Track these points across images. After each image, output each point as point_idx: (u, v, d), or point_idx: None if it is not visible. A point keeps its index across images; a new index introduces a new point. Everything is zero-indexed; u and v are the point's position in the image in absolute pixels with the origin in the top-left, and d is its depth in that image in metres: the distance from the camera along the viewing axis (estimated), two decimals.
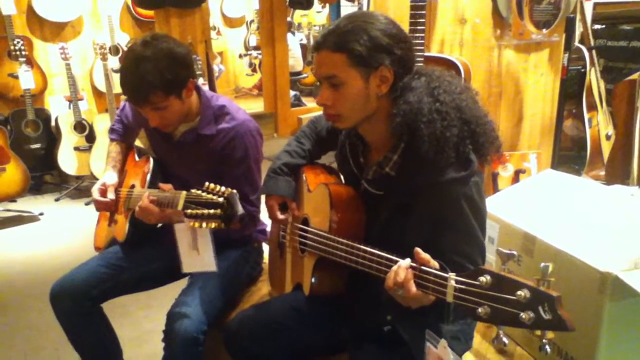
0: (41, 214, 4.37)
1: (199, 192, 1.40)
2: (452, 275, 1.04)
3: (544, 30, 2.58)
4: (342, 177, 1.58)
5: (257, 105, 6.13)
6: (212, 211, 1.36)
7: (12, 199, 4.30)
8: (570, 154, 3.24)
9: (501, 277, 0.95)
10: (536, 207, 1.67)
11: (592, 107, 3.29)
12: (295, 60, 6.72)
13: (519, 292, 0.91)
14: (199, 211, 1.38)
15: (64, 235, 3.97)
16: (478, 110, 1.28)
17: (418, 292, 1.10)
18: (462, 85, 1.31)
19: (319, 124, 1.71)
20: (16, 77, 4.57)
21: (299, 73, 6.86)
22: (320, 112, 1.51)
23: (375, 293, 1.29)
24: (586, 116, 3.22)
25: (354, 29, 1.23)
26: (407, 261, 1.13)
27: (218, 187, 1.39)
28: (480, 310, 0.97)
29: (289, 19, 6.34)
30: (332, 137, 1.60)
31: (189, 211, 1.40)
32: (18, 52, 4.49)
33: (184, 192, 1.45)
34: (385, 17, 1.27)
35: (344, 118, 1.31)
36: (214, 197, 1.37)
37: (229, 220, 1.37)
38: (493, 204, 1.69)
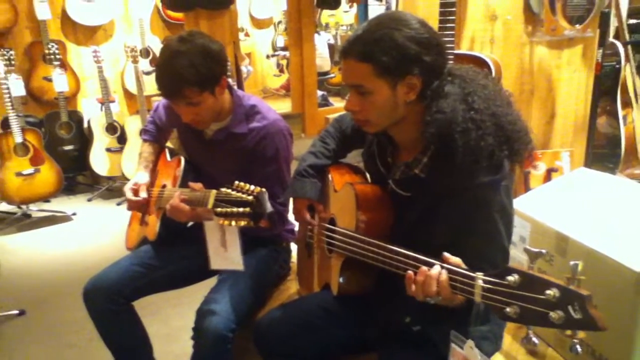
0: (74, 214, 4.47)
1: (229, 190, 1.42)
2: (479, 274, 1.02)
3: (577, 26, 2.52)
4: (367, 176, 1.58)
5: (284, 106, 6.14)
6: (241, 209, 1.37)
7: (46, 199, 4.41)
8: (604, 152, 3.16)
9: (530, 276, 0.94)
10: (569, 206, 1.63)
11: (626, 104, 3.21)
12: (323, 60, 6.70)
13: (548, 292, 0.89)
14: (229, 209, 1.39)
15: (96, 234, 4.06)
16: (513, 115, 1.25)
17: (450, 293, 1.09)
18: (496, 88, 1.28)
19: (344, 122, 1.70)
20: (50, 80, 4.69)
21: (326, 73, 6.84)
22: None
23: (399, 293, 1.29)
24: (620, 113, 3.14)
25: (381, 38, 1.19)
26: (437, 269, 1.11)
27: (247, 185, 1.40)
28: (508, 309, 0.95)
29: (316, 19, 6.35)
30: (357, 135, 1.60)
31: (218, 209, 1.41)
32: (52, 56, 4.61)
33: (214, 191, 1.46)
34: (417, 19, 1.23)
35: (372, 123, 1.30)
36: (244, 196, 1.38)
37: (258, 218, 1.38)
38: (525, 203, 1.67)
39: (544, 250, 0.98)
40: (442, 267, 1.10)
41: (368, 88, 1.23)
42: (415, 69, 1.20)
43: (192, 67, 1.60)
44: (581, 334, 0.90)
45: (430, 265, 1.12)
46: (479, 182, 1.20)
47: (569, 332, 0.90)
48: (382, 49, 1.19)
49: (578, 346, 0.93)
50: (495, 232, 1.22)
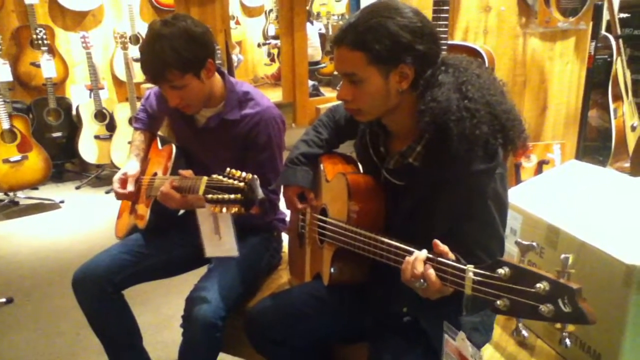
0: (62, 201, 4.43)
1: (220, 177, 1.41)
2: (470, 267, 1.02)
3: (571, 18, 2.52)
4: (360, 166, 1.57)
5: (275, 95, 6.12)
6: (232, 196, 1.36)
7: (34, 186, 4.36)
8: (594, 145, 3.18)
9: (520, 269, 0.94)
10: (560, 198, 1.64)
11: (617, 97, 3.23)
12: (314, 49, 6.67)
13: (538, 285, 0.90)
14: (220, 196, 1.38)
15: (85, 222, 4.03)
16: (507, 104, 1.25)
17: (439, 283, 1.08)
18: (490, 78, 1.28)
19: (337, 112, 1.69)
20: (38, 66, 4.63)
21: (317, 63, 6.81)
22: (338, 102, 1.50)
23: (395, 283, 1.29)
24: (612, 106, 3.15)
25: (374, 26, 1.19)
26: (424, 252, 1.12)
27: (239, 172, 1.39)
28: (498, 302, 0.96)
29: (307, 8, 6.30)
30: (350, 126, 1.59)
31: (209, 196, 1.40)
32: (40, 41, 4.54)
33: (205, 178, 1.45)
34: (411, 8, 1.23)
35: (365, 112, 1.31)
36: (235, 182, 1.37)
37: (249, 205, 1.37)
38: (516, 195, 1.67)
39: (534, 243, 0.98)
40: (432, 260, 1.10)
41: (360, 76, 1.23)
42: (408, 57, 1.20)
43: (173, 50, 1.59)
44: (570, 327, 0.90)
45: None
46: (473, 170, 1.20)
47: (558, 325, 0.90)
48: (375, 38, 1.18)
49: (567, 339, 0.93)
50: (490, 220, 1.23)
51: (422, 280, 1.10)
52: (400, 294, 1.26)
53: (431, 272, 1.09)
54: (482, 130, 1.19)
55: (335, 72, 6.81)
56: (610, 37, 3.17)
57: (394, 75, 1.22)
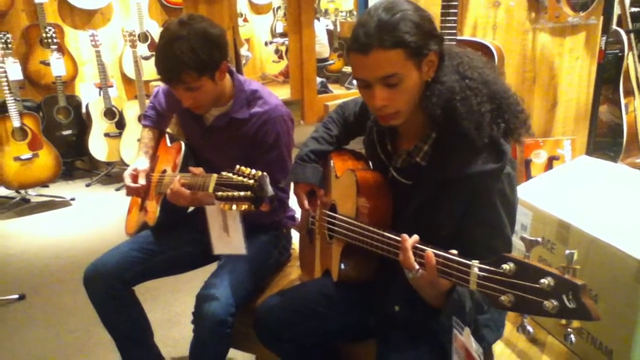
0: (72, 199, 4.46)
1: (230, 174, 1.41)
2: (475, 262, 1.02)
3: (581, 13, 2.50)
4: (370, 163, 1.57)
5: (283, 92, 6.13)
6: (242, 193, 1.37)
7: (44, 184, 4.40)
8: (605, 141, 3.15)
9: (525, 265, 0.94)
10: (571, 194, 1.63)
11: (629, 92, 3.20)
12: (322, 46, 6.66)
13: (542, 280, 0.89)
14: (230, 193, 1.39)
15: (95, 219, 4.05)
16: (501, 85, 1.26)
17: (435, 273, 1.10)
18: (482, 59, 1.29)
19: (347, 109, 1.69)
20: (48, 65, 4.66)
21: (325, 60, 6.80)
22: (347, 98, 1.49)
23: (390, 282, 1.29)
24: (623, 102, 3.13)
25: (400, 21, 1.16)
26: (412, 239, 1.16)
27: (249, 169, 1.40)
28: (503, 298, 0.95)
29: (315, 5, 6.30)
30: (359, 123, 1.59)
31: (219, 193, 1.40)
32: (50, 40, 4.57)
33: (215, 175, 1.45)
34: (408, 1, 1.22)
35: (402, 113, 1.25)
36: (245, 179, 1.38)
37: (259, 202, 1.37)
38: (526, 191, 1.66)
39: (539, 239, 0.97)
40: (438, 255, 1.10)
41: (401, 75, 1.18)
42: (434, 44, 1.20)
43: (191, 52, 1.59)
44: (576, 323, 0.90)
45: (424, 251, 1.13)
46: (480, 170, 1.20)
47: (563, 321, 0.90)
48: (406, 31, 1.16)
49: (572, 336, 0.93)
50: (498, 221, 1.22)
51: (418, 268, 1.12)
52: (394, 293, 1.26)
53: (430, 255, 1.09)
54: (486, 108, 1.20)
55: (344, 70, 6.81)
56: (622, 31, 3.14)
57: (424, 66, 1.21)
